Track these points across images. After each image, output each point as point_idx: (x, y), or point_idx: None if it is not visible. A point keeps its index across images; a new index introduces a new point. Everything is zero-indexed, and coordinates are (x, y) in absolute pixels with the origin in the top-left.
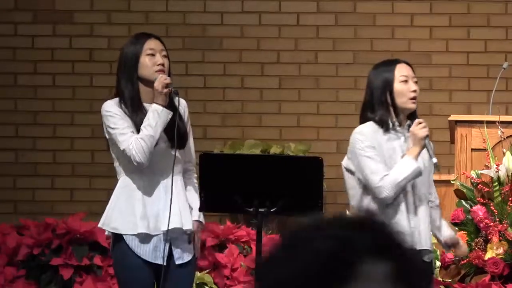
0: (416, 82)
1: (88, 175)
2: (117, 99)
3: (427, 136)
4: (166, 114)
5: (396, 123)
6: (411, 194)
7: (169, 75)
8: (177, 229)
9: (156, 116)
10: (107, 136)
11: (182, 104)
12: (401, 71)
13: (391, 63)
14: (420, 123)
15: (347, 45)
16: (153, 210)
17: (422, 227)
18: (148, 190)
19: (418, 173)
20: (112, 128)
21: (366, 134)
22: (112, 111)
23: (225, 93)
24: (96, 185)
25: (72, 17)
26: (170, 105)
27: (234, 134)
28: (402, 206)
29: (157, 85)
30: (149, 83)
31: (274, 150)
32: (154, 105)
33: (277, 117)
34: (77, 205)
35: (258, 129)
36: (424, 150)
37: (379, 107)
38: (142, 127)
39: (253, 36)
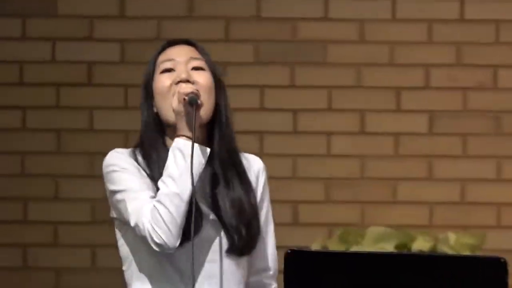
0: None
1: None
2: (131, 148)
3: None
4: (200, 151)
5: None
6: None
7: (219, 99)
8: None
9: (179, 157)
10: (112, 215)
11: (254, 163)
12: None
13: None
14: None
15: None
16: None
17: None
18: None
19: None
20: (115, 192)
21: None
22: (118, 164)
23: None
24: None
25: None
26: (230, 157)
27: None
28: None
29: (173, 102)
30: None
31: (420, 244)
32: (176, 140)
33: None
34: None
35: (390, 206)
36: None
37: None
38: (159, 182)
39: None
